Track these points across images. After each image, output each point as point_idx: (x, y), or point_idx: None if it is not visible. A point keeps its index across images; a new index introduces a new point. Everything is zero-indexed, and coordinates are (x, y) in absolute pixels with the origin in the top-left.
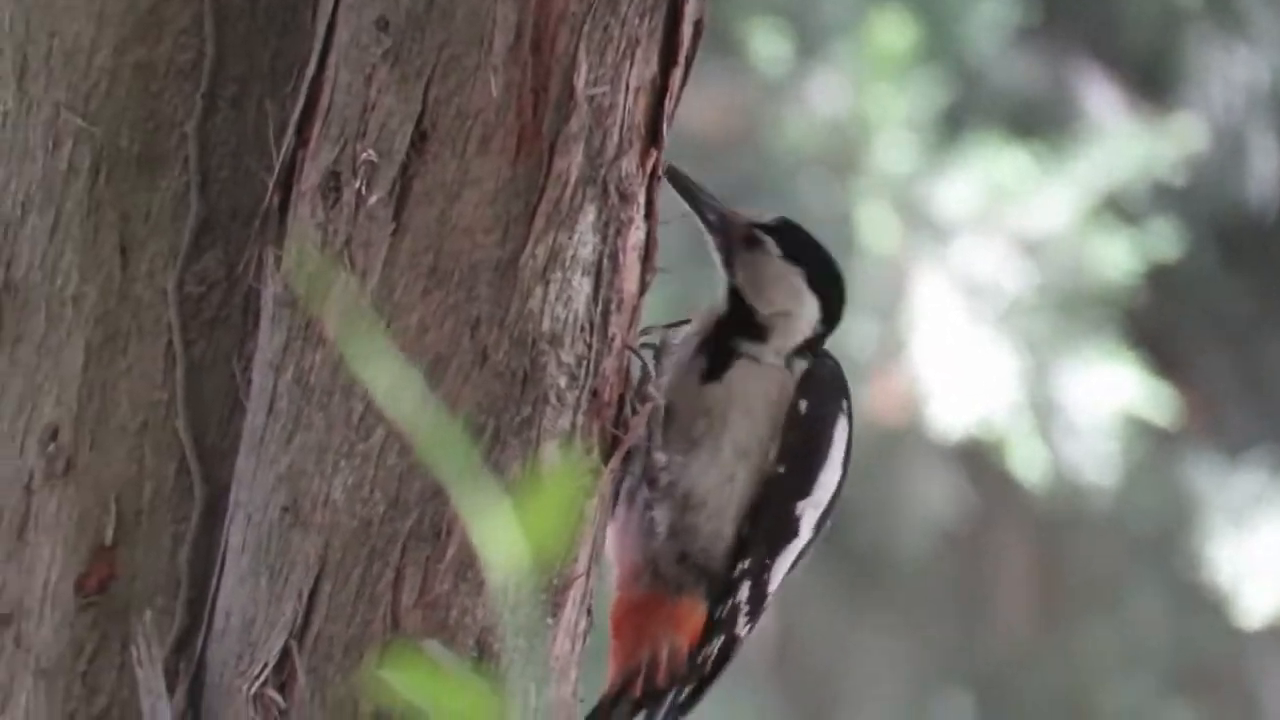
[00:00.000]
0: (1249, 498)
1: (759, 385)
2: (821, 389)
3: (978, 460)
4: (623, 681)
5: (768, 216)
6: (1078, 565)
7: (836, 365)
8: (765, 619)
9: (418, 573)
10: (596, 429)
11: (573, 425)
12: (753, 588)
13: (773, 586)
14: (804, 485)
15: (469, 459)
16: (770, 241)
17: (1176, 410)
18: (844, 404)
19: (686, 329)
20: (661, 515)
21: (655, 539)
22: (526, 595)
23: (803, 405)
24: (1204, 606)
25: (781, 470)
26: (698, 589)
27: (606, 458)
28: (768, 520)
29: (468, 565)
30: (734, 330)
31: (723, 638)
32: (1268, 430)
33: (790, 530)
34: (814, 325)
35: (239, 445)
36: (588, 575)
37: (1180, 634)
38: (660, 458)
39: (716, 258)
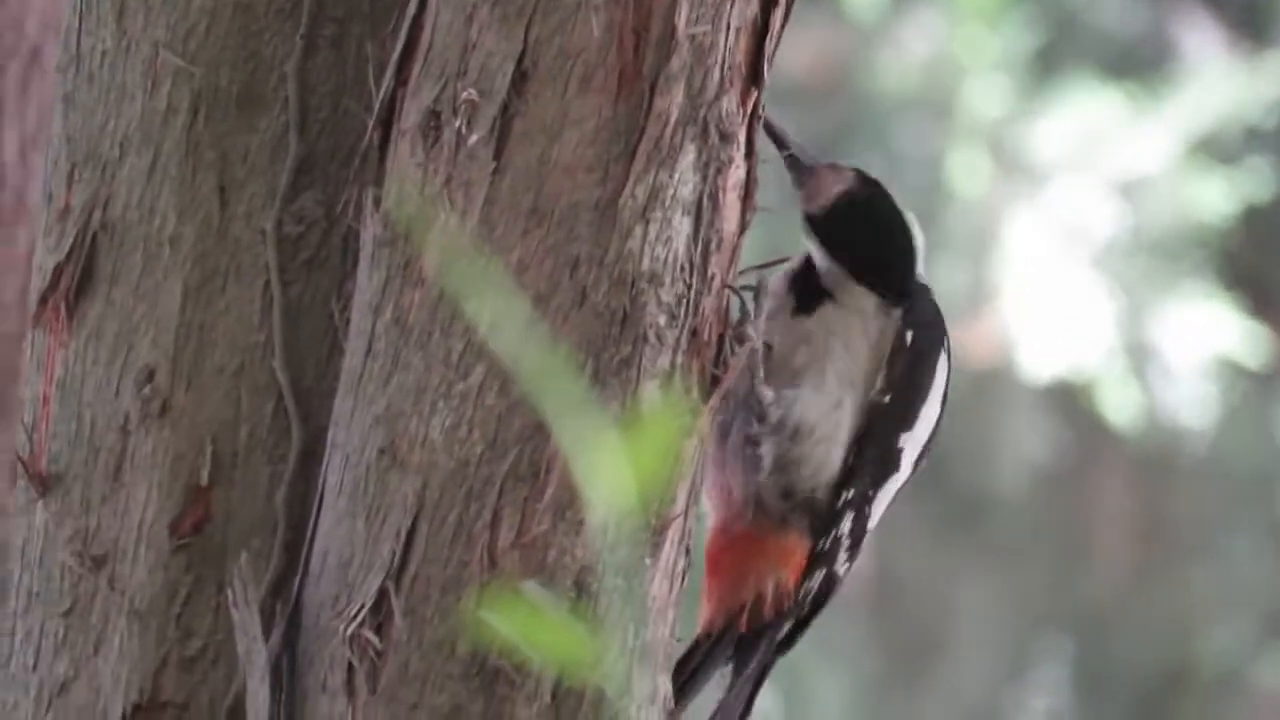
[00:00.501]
0: None
1: (858, 318)
2: (927, 322)
3: (1072, 403)
4: (725, 619)
5: (835, 188)
6: (1175, 508)
7: (936, 305)
8: (862, 561)
9: (515, 513)
10: (696, 368)
11: (672, 365)
12: (855, 520)
13: (872, 523)
14: (907, 417)
15: (573, 394)
16: (815, 239)
17: (1273, 352)
18: (945, 341)
19: (786, 266)
20: (768, 449)
21: (761, 472)
22: (626, 535)
23: (909, 335)
24: None
25: (887, 400)
26: (801, 523)
27: (706, 397)
28: (872, 450)
29: (566, 505)
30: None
31: (824, 572)
32: None
33: (893, 463)
34: (876, 305)
35: (336, 386)
36: (686, 515)
37: (1277, 574)
38: (767, 393)
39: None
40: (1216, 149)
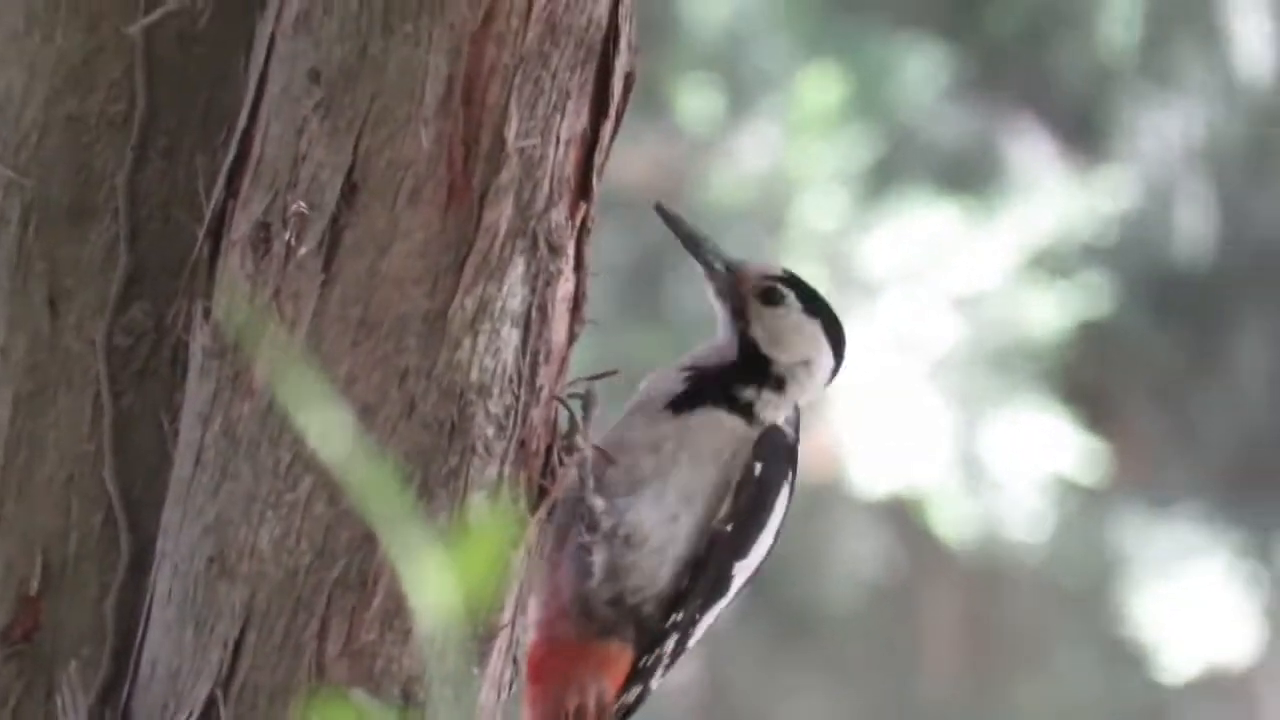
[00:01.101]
0: (1176, 551)
1: (713, 438)
2: (777, 454)
3: (905, 517)
4: None
5: (775, 268)
6: (1006, 620)
7: (794, 436)
8: (695, 671)
9: (343, 622)
10: (524, 480)
11: (500, 476)
12: (678, 641)
13: (692, 642)
14: (744, 546)
15: (400, 504)
16: (791, 295)
17: (1106, 464)
18: (790, 474)
19: (684, 360)
20: (600, 557)
21: (591, 580)
22: (453, 644)
23: (758, 468)
24: (1130, 661)
25: (729, 529)
26: (626, 633)
27: (534, 508)
28: (707, 577)
29: (394, 614)
30: (744, 379)
31: (640, 688)
32: (1198, 483)
33: (724, 589)
34: (828, 371)
35: (166, 496)
36: (513, 625)
37: (1108, 689)
38: (598, 503)
39: (721, 306)
40: (1052, 263)
